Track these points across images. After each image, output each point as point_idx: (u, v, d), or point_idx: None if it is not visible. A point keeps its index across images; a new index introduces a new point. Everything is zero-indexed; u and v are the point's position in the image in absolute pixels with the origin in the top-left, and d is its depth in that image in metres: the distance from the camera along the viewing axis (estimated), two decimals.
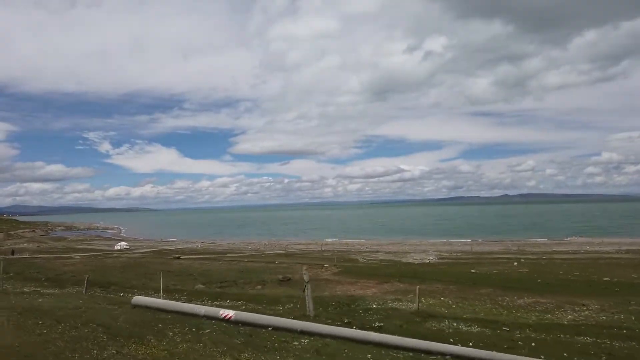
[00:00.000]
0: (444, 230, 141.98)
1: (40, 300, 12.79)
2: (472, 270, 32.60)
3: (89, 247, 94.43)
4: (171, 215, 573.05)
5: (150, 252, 78.87)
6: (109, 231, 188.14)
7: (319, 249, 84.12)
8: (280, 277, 27.08)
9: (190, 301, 18.45)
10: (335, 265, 34.68)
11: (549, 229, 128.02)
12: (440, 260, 57.06)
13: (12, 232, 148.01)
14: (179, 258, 42.82)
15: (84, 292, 17.52)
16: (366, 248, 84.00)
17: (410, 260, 59.02)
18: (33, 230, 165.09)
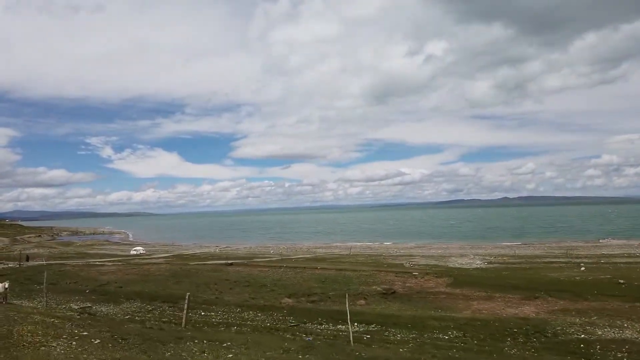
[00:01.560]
0: (463, 233, 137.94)
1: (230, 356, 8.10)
2: (621, 281, 28.24)
3: (102, 252, 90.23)
4: (174, 219, 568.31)
5: (170, 257, 74.74)
6: (116, 236, 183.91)
7: (347, 252, 79.96)
8: (380, 288, 22.97)
9: (303, 323, 14.27)
10: (428, 273, 30.52)
11: (575, 231, 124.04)
12: (491, 265, 52.99)
13: (18, 237, 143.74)
14: (231, 264, 38.55)
15: (183, 321, 13.05)
16: (395, 252, 79.78)
17: (457, 265, 54.92)
18: (39, 235, 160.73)
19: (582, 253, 65.96)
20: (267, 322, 14.92)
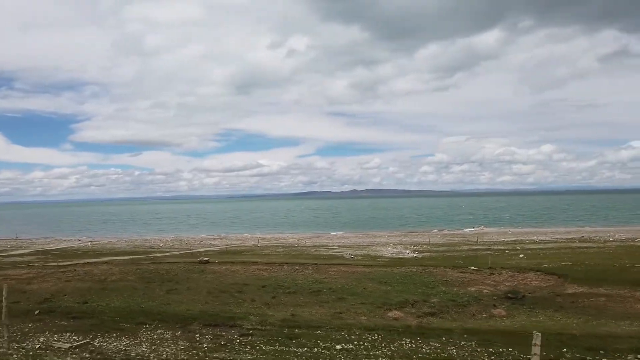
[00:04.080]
0: (344, 222, 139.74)
1: None
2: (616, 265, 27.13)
3: None
4: (2, 209, 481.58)
5: (32, 252, 59.77)
6: None
7: (253, 244, 73.28)
8: (487, 291, 18.02)
9: None
10: (492, 267, 26.12)
11: (447, 220, 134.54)
12: (425, 254, 51.85)
13: None
14: (207, 262, 29.38)
15: None
16: (305, 242, 75.49)
17: (390, 255, 52.94)
18: None
19: (487, 240, 69.55)
20: None
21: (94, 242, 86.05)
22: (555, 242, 61.64)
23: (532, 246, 57.11)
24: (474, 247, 57.85)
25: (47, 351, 10.24)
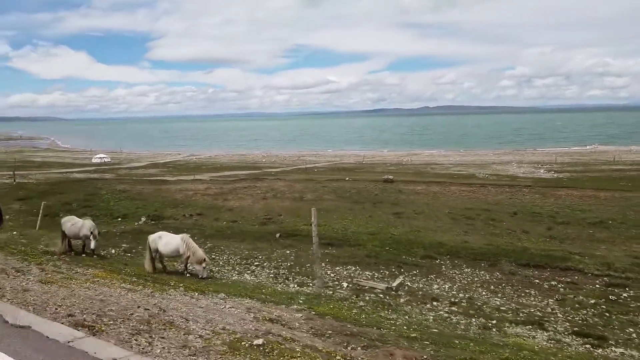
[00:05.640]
0: (442, 140, 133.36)
1: None
2: None
3: (53, 160, 73.33)
4: (90, 125, 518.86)
5: (150, 164, 61.73)
6: (39, 142, 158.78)
7: (355, 160, 71.05)
8: None
9: None
10: None
11: (553, 139, 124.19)
12: (566, 174, 46.38)
13: None
14: (392, 181, 27.19)
15: None
16: (412, 161, 71.73)
17: (522, 175, 48.15)
18: None
19: (627, 159, 61.83)
20: None
21: (195, 156, 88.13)
22: None
23: None
24: (615, 167, 51.28)
25: (362, 294, 7.86)
